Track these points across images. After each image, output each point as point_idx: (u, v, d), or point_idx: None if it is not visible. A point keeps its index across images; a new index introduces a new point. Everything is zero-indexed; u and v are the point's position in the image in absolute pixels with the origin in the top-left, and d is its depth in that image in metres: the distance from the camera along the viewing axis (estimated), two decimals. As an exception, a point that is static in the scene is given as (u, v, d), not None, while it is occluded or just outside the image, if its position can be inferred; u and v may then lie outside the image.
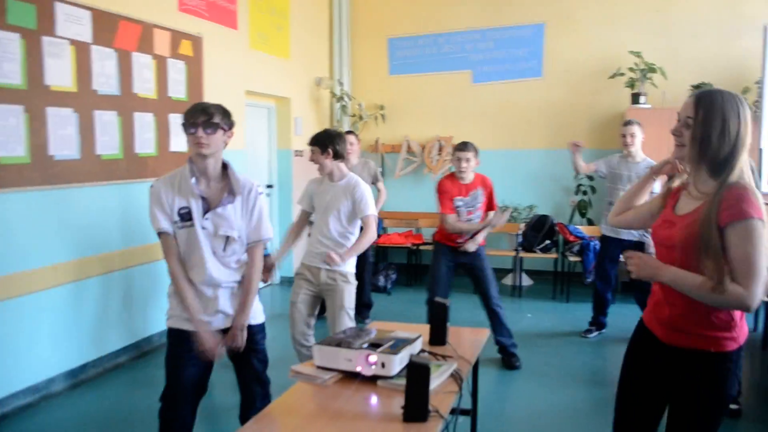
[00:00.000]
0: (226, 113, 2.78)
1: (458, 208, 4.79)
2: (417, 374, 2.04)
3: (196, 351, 2.73)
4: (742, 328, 2.12)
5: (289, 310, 4.10)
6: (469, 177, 4.81)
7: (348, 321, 3.92)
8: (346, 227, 3.98)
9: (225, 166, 2.84)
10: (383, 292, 7.26)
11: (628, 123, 5.45)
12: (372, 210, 3.95)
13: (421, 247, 7.78)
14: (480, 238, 4.76)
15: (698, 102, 2.04)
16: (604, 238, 5.62)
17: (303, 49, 7.85)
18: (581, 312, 6.41)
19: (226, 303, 2.85)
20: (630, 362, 2.37)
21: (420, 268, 8.04)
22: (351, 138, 5.93)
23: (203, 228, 2.74)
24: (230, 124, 2.80)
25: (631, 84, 7.19)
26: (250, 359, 2.94)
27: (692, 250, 2.02)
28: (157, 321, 5.34)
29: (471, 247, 4.74)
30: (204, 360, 2.77)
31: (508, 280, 7.74)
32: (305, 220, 4.23)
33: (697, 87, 6.89)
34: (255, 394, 2.98)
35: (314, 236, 4.06)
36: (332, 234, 3.96)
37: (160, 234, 2.79)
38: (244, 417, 2.94)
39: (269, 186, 7.58)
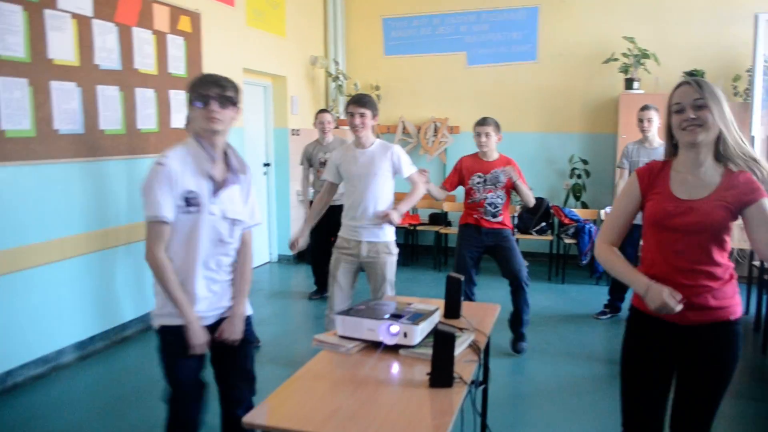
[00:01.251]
0: (237, 88, 2.49)
1: (476, 185, 4.72)
2: (443, 341, 2.09)
3: (189, 346, 2.45)
4: None
5: (329, 285, 4.05)
6: (492, 155, 4.74)
7: (390, 292, 3.90)
8: (386, 192, 3.93)
9: (227, 146, 2.59)
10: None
11: (645, 108, 5.35)
12: (413, 168, 4.01)
13: (418, 228, 7.82)
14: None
15: (699, 85, 2.15)
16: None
17: (298, 27, 7.83)
18: (576, 293, 6.52)
19: (224, 295, 2.60)
20: (633, 349, 2.38)
21: (417, 248, 8.10)
22: (327, 117, 6.07)
23: (211, 213, 2.47)
24: (238, 100, 2.52)
25: (625, 69, 7.25)
26: (246, 351, 2.68)
27: (719, 232, 2.16)
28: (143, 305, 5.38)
29: (394, 216, 3.93)
30: (197, 354, 2.49)
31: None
32: (331, 192, 4.11)
33: (689, 74, 6.97)
34: (242, 389, 2.68)
35: (351, 208, 3.94)
36: (372, 203, 3.87)
37: (156, 222, 2.40)
38: (231, 415, 2.65)
39: (266, 164, 7.58)
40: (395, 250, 3.99)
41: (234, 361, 2.64)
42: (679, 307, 2.09)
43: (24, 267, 4.13)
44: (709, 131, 2.14)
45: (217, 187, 2.47)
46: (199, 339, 2.44)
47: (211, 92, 2.38)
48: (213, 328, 2.56)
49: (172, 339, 2.47)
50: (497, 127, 4.70)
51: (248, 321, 2.66)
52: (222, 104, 2.40)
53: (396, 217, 3.80)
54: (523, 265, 4.77)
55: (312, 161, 6.14)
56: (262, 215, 2.76)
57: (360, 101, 3.86)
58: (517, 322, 4.82)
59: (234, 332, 2.56)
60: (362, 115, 3.83)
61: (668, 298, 2.08)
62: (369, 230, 3.90)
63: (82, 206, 4.58)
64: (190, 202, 2.43)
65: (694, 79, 2.19)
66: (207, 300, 2.53)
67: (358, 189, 3.90)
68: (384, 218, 3.81)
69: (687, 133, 2.16)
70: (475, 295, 4.87)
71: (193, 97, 2.40)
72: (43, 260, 4.27)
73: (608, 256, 2.38)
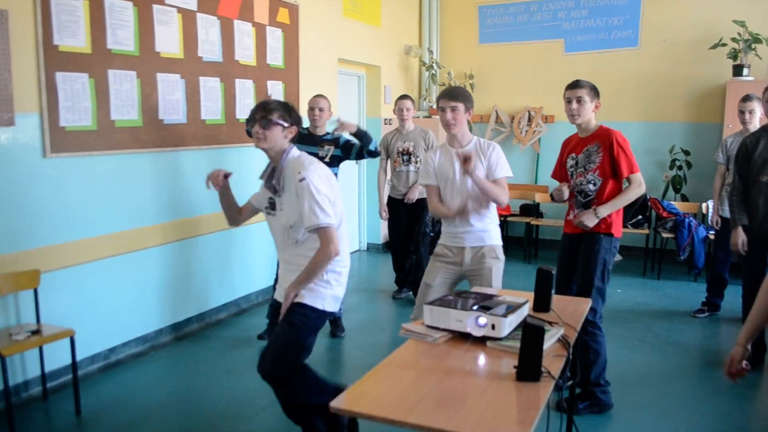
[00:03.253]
0: (287, 109, 2.87)
1: (570, 170, 3.80)
2: (532, 335, 2.07)
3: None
4: None
5: (419, 292, 3.65)
6: (587, 127, 3.71)
7: None
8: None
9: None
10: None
11: (746, 98, 5.05)
12: (508, 172, 3.53)
13: (509, 218, 7.72)
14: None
15: None
16: (724, 221, 5.23)
17: (393, 17, 7.87)
18: (672, 289, 6.28)
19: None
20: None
21: (508, 239, 7.98)
22: (407, 103, 5.73)
23: (274, 216, 2.98)
24: (292, 121, 2.87)
25: (734, 55, 6.88)
26: (278, 329, 2.90)
27: None
28: (255, 281, 5.58)
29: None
30: None
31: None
32: (438, 197, 3.64)
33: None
34: (263, 356, 2.92)
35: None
36: (474, 206, 3.50)
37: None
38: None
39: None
40: (502, 256, 3.58)
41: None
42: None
43: (130, 250, 4.38)
44: None
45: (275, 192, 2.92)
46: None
47: (256, 115, 2.83)
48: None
49: (319, 321, 2.95)
50: (593, 91, 3.70)
51: (297, 307, 2.88)
52: (265, 125, 2.80)
53: (590, 220, 3.53)
54: (598, 293, 3.63)
55: (389, 151, 5.77)
56: (336, 213, 2.89)
57: (451, 94, 3.47)
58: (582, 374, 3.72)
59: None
60: (454, 109, 3.43)
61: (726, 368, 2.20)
62: (472, 235, 3.52)
63: (182, 193, 4.80)
64: (271, 206, 3.00)
65: None
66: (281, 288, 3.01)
67: (457, 192, 3.53)
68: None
69: None
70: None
71: (247, 120, 2.96)
72: (153, 243, 4.53)
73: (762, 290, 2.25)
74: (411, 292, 5.90)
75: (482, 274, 3.49)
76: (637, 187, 3.63)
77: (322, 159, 4.42)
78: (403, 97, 5.76)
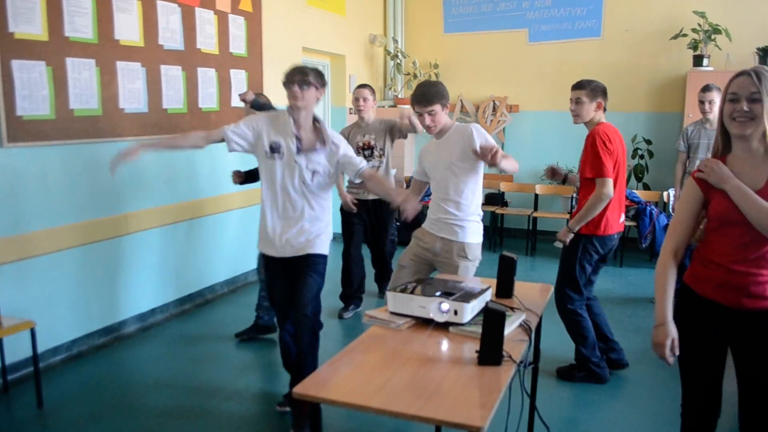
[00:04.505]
0: (319, 74, 3.25)
1: None
2: (493, 320, 2.10)
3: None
4: None
5: (394, 272, 3.67)
6: (588, 126, 3.88)
7: None
8: (468, 183, 3.42)
9: (316, 120, 3.32)
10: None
11: (706, 89, 5.15)
12: (489, 139, 3.36)
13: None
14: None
15: (759, 78, 2.11)
16: None
17: (358, 6, 7.85)
18: (635, 276, 6.40)
19: (296, 234, 3.31)
20: (689, 332, 2.34)
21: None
22: (365, 92, 5.07)
23: (296, 162, 3.23)
24: (322, 83, 3.27)
25: (694, 46, 7.00)
26: (306, 276, 3.28)
27: None
28: (220, 271, 5.57)
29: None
30: None
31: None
32: (420, 190, 3.67)
33: (763, 50, 6.68)
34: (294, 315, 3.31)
35: (433, 201, 3.53)
36: (451, 193, 3.43)
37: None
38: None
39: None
40: (475, 255, 3.47)
41: (297, 283, 3.34)
42: (671, 360, 2.29)
43: (93, 240, 4.32)
44: (758, 126, 2.13)
45: (301, 146, 3.24)
46: None
47: (295, 78, 3.17)
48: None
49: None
50: (594, 91, 3.84)
51: (320, 258, 3.34)
52: (304, 86, 3.17)
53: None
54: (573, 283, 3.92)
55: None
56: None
57: (424, 98, 3.32)
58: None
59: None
60: (431, 113, 3.34)
61: (667, 349, 2.28)
62: (447, 226, 3.44)
63: (147, 183, 4.74)
64: (273, 148, 3.25)
65: (755, 69, 2.15)
66: (279, 236, 3.33)
67: (435, 180, 3.51)
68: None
69: (737, 125, 2.16)
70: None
71: (285, 82, 3.21)
72: (116, 233, 4.50)
73: (658, 274, 2.37)
74: (359, 309, 5.30)
75: (448, 270, 3.43)
76: (597, 197, 3.66)
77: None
78: (361, 86, 5.13)
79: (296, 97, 3.18)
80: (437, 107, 3.32)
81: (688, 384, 2.44)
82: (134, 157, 3.09)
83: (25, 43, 3.79)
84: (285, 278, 3.38)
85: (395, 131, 5.05)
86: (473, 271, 3.51)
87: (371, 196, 5.06)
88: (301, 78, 3.17)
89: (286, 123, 3.27)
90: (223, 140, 3.25)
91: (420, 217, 3.63)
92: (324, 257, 3.36)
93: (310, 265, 3.29)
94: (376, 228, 5.25)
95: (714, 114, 5.11)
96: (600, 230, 3.79)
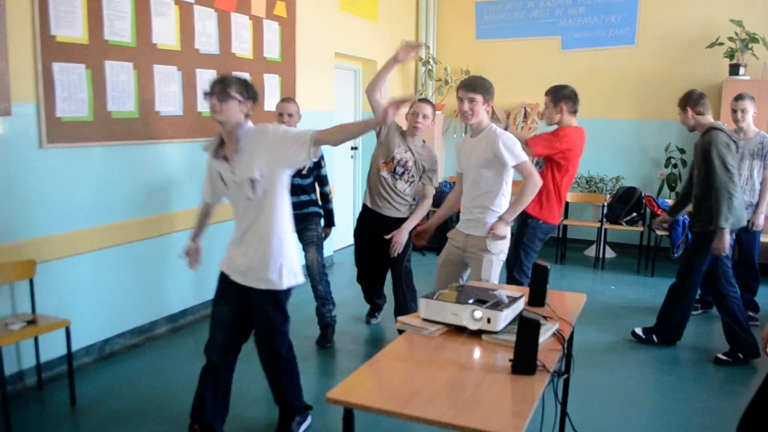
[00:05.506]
0: (245, 85, 2.89)
1: None
2: (528, 328, 2.09)
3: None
4: None
5: (436, 271, 3.88)
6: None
7: None
8: (495, 186, 3.57)
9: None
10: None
11: (739, 97, 5.08)
12: (525, 156, 3.53)
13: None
14: (509, 216, 3.63)
15: None
16: None
17: (390, 12, 7.87)
18: (666, 287, 6.27)
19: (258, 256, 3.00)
20: None
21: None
22: (426, 109, 4.43)
23: (234, 183, 2.93)
24: (249, 96, 2.89)
25: (731, 54, 6.90)
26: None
27: None
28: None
29: (499, 230, 3.61)
30: None
31: (590, 252, 7.65)
32: (460, 187, 3.84)
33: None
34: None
35: (464, 202, 3.74)
36: (479, 196, 3.61)
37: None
38: None
39: (354, 148, 7.68)
40: (497, 250, 3.59)
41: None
42: None
43: (128, 241, 4.38)
44: None
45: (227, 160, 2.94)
46: None
47: (215, 89, 2.84)
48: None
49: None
50: (559, 97, 4.41)
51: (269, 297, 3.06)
52: (222, 98, 2.82)
53: (500, 231, 3.51)
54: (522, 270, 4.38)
55: (388, 145, 4.57)
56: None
57: (470, 85, 3.52)
58: None
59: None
60: (472, 101, 3.50)
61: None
62: (472, 223, 3.65)
63: (182, 185, 4.80)
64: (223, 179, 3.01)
65: None
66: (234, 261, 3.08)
67: (467, 179, 3.70)
68: (492, 234, 3.52)
69: None
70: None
71: (205, 93, 2.87)
72: (149, 234, 4.55)
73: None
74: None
75: (473, 264, 3.66)
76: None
77: (299, 171, 4.38)
78: (423, 101, 4.51)
79: (214, 110, 2.85)
80: (479, 97, 3.50)
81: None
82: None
83: (66, 45, 3.86)
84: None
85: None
86: (498, 266, 3.64)
87: (388, 212, 4.58)
88: (220, 89, 2.83)
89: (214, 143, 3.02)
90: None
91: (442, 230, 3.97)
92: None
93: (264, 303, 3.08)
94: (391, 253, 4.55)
95: (747, 122, 5.04)
96: (548, 218, 4.34)
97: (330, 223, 4.81)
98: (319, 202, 4.66)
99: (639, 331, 4.77)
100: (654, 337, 4.70)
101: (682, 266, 4.59)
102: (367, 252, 4.80)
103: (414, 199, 4.70)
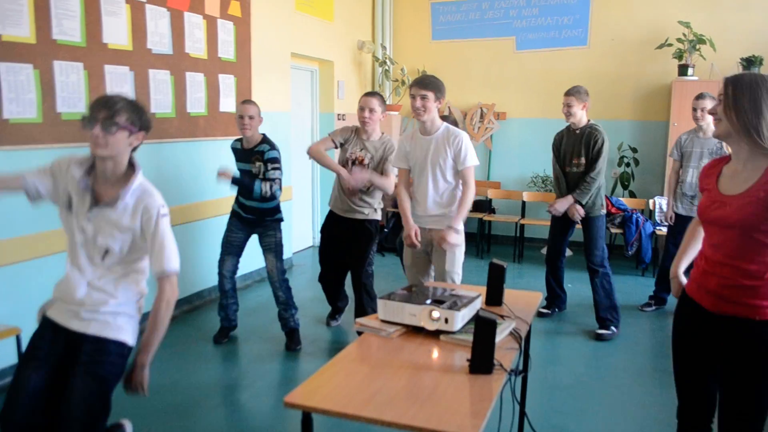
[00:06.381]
0: (137, 110, 2.38)
1: None
2: (484, 328, 2.10)
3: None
4: None
5: (407, 272, 4.05)
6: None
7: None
8: (448, 185, 3.76)
9: (132, 169, 2.46)
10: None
11: (700, 96, 5.16)
12: (474, 161, 3.72)
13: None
14: (458, 225, 3.83)
15: (727, 82, 2.15)
16: (678, 216, 5.41)
17: (346, 12, 7.85)
18: (621, 284, 6.41)
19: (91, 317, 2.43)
20: (680, 333, 2.45)
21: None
22: (373, 102, 4.42)
23: (82, 230, 2.40)
24: (142, 125, 2.39)
25: (679, 55, 7.07)
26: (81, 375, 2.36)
27: (750, 229, 2.11)
28: (209, 276, 5.49)
29: (451, 238, 3.80)
30: None
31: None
32: (408, 180, 3.92)
33: (746, 60, 6.76)
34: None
35: (416, 201, 3.86)
36: (442, 192, 3.76)
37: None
38: None
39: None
40: (459, 241, 3.75)
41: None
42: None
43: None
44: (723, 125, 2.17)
45: (96, 200, 2.40)
46: None
47: (99, 115, 2.28)
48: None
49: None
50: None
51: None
52: (108, 129, 2.28)
53: (452, 240, 3.64)
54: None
55: (344, 148, 4.60)
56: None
57: (422, 82, 3.68)
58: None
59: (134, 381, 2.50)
60: (423, 98, 3.64)
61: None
62: (435, 218, 3.79)
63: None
64: (67, 204, 2.43)
65: (726, 77, 2.19)
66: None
67: (417, 176, 3.81)
68: (443, 242, 3.66)
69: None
70: None
71: (84, 118, 2.32)
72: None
73: (690, 231, 2.57)
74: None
75: (437, 256, 3.79)
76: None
77: (255, 176, 4.34)
78: (370, 94, 4.56)
79: (96, 143, 2.27)
80: (431, 95, 3.65)
81: (680, 391, 2.48)
82: None
83: (12, 45, 3.75)
84: None
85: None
86: (461, 258, 3.81)
87: (348, 214, 4.59)
88: (106, 115, 2.27)
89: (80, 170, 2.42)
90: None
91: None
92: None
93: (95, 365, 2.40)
94: (354, 251, 4.60)
95: (707, 122, 5.13)
96: None
97: (239, 182, 4.42)
98: (280, 207, 4.57)
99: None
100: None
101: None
102: (331, 253, 4.80)
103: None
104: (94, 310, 2.42)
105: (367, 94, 4.51)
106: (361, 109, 4.42)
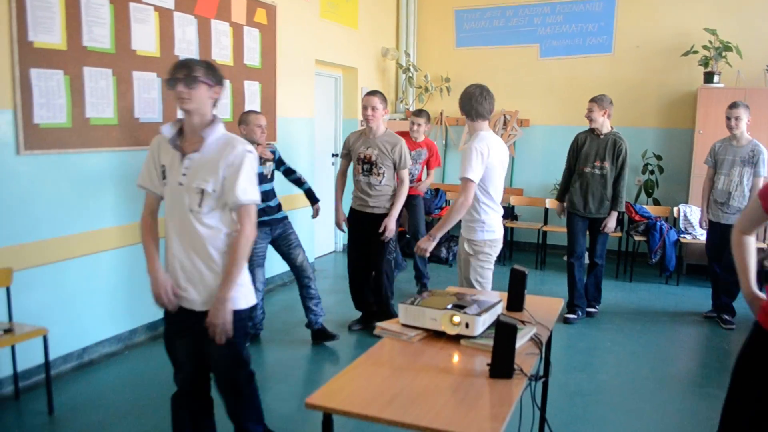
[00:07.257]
0: (211, 68, 2.60)
1: None
2: (504, 333, 2.11)
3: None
4: None
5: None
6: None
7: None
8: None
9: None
10: (445, 264, 7.31)
11: (734, 105, 5.16)
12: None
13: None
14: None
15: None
16: (712, 223, 5.43)
17: (371, 19, 7.90)
18: (645, 291, 6.39)
19: (205, 273, 2.68)
20: (749, 367, 2.30)
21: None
22: (374, 100, 4.70)
23: (180, 184, 2.59)
24: (216, 80, 2.60)
25: (705, 62, 7.01)
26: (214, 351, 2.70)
27: None
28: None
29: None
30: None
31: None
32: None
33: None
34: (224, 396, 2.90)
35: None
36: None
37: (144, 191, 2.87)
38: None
39: (335, 155, 7.69)
40: (474, 250, 3.76)
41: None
42: None
43: (94, 251, 4.35)
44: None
45: (183, 153, 2.60)
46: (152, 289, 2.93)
47: (179, 74, 2.52)
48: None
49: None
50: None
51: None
52: (191, 84, 2.51)
53: (428, 245, 3.74)
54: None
55: (352, 154, 4.97)
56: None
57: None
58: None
59: (213, 319, 2.64)
60: (374, 108, 4.61)
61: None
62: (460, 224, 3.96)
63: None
64: (163, 174, 2.69)
65: None
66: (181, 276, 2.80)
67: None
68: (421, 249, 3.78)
69: None
70: None
71: (168, 81, 2.55)
72: (128, 242, 4.50)
73: (735, 246, 2.44)
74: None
75: (460, 263, 3.89)
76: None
77: (265, 177, 4.54)
78: (371, 93, 4.76)
79: (181, 98, 2.51)
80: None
81: (731, 418, 2.37)
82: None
83: (44, 51, 3.84)
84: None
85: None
86: (478, 267, 3.78)
87: (369, 210, 4.82)
88: (186, 74, 2.50)
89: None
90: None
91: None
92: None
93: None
94: (375, 241, 4.81)
95: (740, 130, 5.13)
96: None
97: (315, 199, 5.05)
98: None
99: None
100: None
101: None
102: (356, 247, 5.02)
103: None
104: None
105: (369, 93, 4.77)
106: (364, 107, 4.71)
